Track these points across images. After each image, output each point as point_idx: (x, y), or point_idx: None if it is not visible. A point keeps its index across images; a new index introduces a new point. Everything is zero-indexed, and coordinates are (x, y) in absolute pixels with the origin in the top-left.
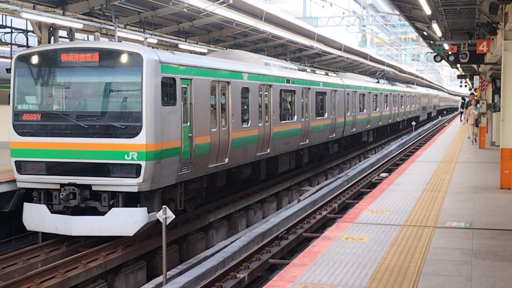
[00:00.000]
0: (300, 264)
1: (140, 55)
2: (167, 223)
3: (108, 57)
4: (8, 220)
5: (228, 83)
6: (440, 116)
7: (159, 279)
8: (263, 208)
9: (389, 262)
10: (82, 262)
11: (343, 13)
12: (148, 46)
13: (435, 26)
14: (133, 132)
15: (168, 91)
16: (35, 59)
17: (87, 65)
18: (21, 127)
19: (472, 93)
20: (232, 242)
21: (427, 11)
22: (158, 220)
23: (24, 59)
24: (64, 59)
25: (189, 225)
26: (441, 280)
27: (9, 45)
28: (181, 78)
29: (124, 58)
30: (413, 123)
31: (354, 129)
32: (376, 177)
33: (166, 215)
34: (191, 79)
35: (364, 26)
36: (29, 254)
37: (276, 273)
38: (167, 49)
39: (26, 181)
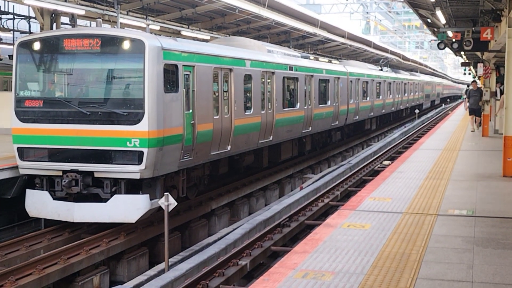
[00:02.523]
0: (301, 251)
1: (142, 41)
2: (169, 210)
3: (110, 44)
4: (11, 207)
5: (230, 70)
6: (443, 104)
7: (161, 265)
8: (265, 196)
9: (391, 250)
10: (84, 249)
11: (347, 0)
12: (151, 33)
13: (439, 13)
14: (135, 119)
15: (170, 78)
16: (37, 46)
17: (89, 51)
18: (23, 113)
19: (474, 81)
20: (234, 229)
21: None
22: (160, 207)
23: (26, 45)
24: (66, 45)
25: (191, 212)
26: (442, 268)
27: (12, 32)
28: (183, 65)
29: (126, 45)
30: (416, 111)
31: (357, 117)
32: (378, 165)
33: (168, 202)
34: (194, 66)
35: (367, 13)
36: (32, 240)
37: (277, 260)
38: (170, 36)
39: (29, 167)
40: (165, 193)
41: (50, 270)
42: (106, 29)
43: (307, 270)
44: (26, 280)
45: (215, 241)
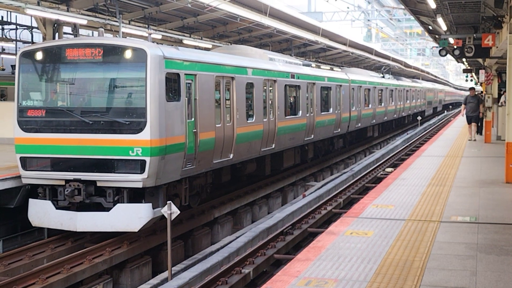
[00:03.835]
0: (304, 259)
1: (144, 50)
2: (172, 219)
3: (112, 53)
4: (14, 216)
5: (232, 78)
6: (446, 111)
7: (164, 274)
8: (268, 204)
9: (394, 257)
10: (87, 258)
11: (348, 7)
12: (153, 42)
13: (440, 20)
14: (137, 128)
15: (173, 86)
16: (39, 55)
17: (92, 61)
18: (26, 123)
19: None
20: (237, 238)
21: (432, 5)
22: (163, 215)
23: (28, 55)
24: (69, 55)
25: (194, 221)
26: (446, 275)
27: (14, 42)
28: (185, 74)
29: (128, 54)
30: (419, 117)
31: (359, 124)
32: (381, 172)
33: (171, 210)
34: (196, 75)
35: (369, 20)
36: (35, 250)
37: (280, 268)
38: (172, 45)
39: (31, 177)
40: (168, 202)
41: (53, 279)
42: (108, 39)
43: (310, 278)
44: None
45: (218, 250)
